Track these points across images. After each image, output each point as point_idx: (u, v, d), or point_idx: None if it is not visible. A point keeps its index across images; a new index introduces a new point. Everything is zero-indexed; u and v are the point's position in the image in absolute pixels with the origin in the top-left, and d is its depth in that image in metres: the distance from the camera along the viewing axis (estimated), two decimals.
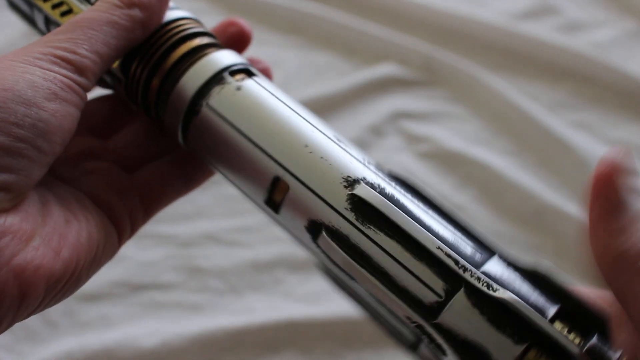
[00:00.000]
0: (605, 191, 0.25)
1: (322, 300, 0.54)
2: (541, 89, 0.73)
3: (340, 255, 0.24)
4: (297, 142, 0.26)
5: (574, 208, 0.60)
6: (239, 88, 0.27)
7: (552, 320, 0.22)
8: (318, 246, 0.25)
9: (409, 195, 0.25)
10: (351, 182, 0.25)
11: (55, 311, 0.52)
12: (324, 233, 0.24)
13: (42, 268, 0.22)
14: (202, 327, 0.51)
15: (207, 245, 0.57)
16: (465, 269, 0.23)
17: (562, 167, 0.65)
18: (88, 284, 0.57)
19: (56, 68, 0.24)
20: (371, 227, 0.24)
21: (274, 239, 0.58)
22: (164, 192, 0.30)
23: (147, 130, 0.32)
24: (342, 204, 0.24)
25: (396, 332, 0.25)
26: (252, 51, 0.83)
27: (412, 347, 0.25)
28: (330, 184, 0.25)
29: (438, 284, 0.23)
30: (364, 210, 0.24)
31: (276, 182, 0.25)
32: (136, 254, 0.56)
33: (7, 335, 0.51)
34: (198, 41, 0.29)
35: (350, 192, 0.24)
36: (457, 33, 0.78)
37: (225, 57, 0.28)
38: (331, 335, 0.52)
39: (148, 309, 0.53)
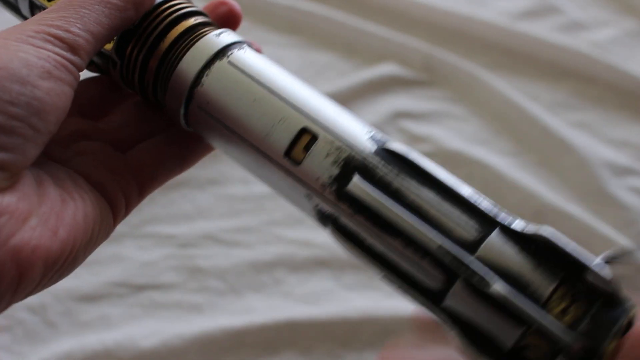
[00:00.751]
0: None
1: (322, 300, 0.54)
2: (541, 88, 0.73)
3: (373, 196, 0.24)
4: (317, 97, 0.27)
5: (574, 208, 0.60)
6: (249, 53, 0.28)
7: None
8: (344, 195, 0.25)
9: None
10: (377, 139, 0.26)
11: (55, 311, 0.52)
12: (357, 176, 0.25)
13: (39, 248, 0.23)
14: (202, 328, 0.51)
15: (207, 246, 0.57)
16: (495, 214, 0.24)
17: (562, 167, 0.65)
18: (88, 284, 0.57)
19: (49, 46, 0.24)
20: (403, 174, 0.25)
21: (274, 239, 0.58)
22: (157, 170, 0.30)
23: (140, 110, 0.32)
24: (373, 154, 0.25)
25: (416, 283, 0.25)
26: None
27: (435, 296, 0.24)
28: (359, 135, 0.25)
29: (473, 226, 0.24)
30: (394, 161, 0.25)
31: (302, 133, 0.26)
32: (136, 254, 0.56)
33: (7, 335, 0.51)
34: (193, 20, 0.29)
35: (380, 147, 0.25)
36: (457, 33, 0.78)
37: (226, 36, 0.29)
38: (331, 335, 0.52)
39: (148, 309, 0.53)
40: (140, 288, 0.54)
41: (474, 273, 0.23)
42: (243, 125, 0.27)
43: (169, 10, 0.29)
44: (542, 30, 0.78)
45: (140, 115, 0.31)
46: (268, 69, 0.28)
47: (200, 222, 0.59)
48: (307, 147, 0.26)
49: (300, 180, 0.26)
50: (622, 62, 0.73)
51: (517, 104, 0.69)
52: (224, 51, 0.28)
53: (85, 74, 0.30)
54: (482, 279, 0.23)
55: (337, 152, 0.25)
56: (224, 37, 0.28)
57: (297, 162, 0.26)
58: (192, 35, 0.28)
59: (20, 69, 0.23)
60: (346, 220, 0.25)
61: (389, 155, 0.25)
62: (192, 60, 0.27)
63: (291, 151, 0.26)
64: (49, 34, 0.25)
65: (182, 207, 0.60)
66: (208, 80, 0.27)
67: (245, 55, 0.28)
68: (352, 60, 0.76)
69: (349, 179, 0.25)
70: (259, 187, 0.59)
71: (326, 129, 0.26)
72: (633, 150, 0.67)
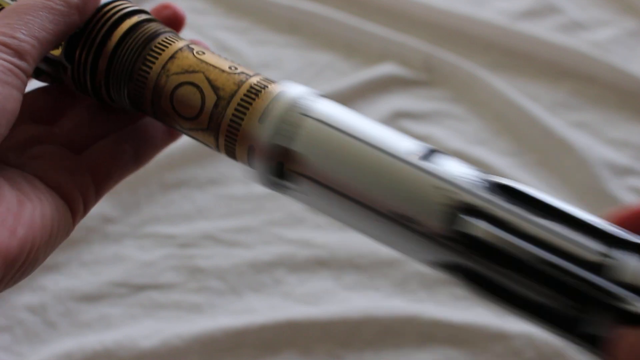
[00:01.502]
0: None
1: (322, 301, 0.54)
2: (541, 88, 0.73)
3: (501, 237, 0.24)
4: (408, 140, 0.29)
5: None
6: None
7: None
8: (472, 242, 0.24)
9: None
10: (482, 177, 0.26)
11: (55, 311, 0.52)
12: (480, 221, 0.24)
13: None
14: (202, 328, 0.51)
15: (207, 246, 0.57)
16: (616, 233, 0.24)
17: (562, 167, 0.65)
18: (88, 284, 0.57)
19: None
20: (519, 209, 0.24)
21: (274, 239, 0.58)
22: (112, 168, 0.31)
23: (92, 112, 0.32)
24: (486, 194, 0.25)
25: (559, 317, 0.24)
26: (252, 51, 0.84)
27: (577, 325, 0.23)
28: (465, 175, 0.27)
29: (601, 248, 0.23)
30: (507, 196, 0.25)
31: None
32: (136, 254, 0.56)
33: (7, 335, 0.51)
34: (136, 18, 0.30)
35: (489, 184, 0.26)
36: (457, 33, 0.78)
37: (281, 87, 0.28)
38: (331, 335, 0.52)
39: (148, 310, 0.53)
40: (140, 288, 0.54)
41: (614, 296, 0.22)
42: (356, 189, 0.26)
43: (113, 11, 0.29)
44: (542, 30, 0.78)
45: (93, 116, 0.32)
46: (355, 118, 0.28)
47: (200, 222, 0.59)
48: None
49: (424, 235, 0.25)
50: (622, 62, 0.73)
51: (517, 104, 0.69)
52: (294, 104, 0.27)
53: (37, 84, 0.32)
54: (624, 300, 0.22)
55: (454, 199, 0.25)
56: (280, 87, 0.28)
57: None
58: (138, 32, 0.29)
59: None
60: (477, 267, 0.24)
61: (500, 190, 0.25)
62: (270, 121, 0.27)
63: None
64: None
65: (182, 207, 0.60)
66: (299, 142, 0.26)
67: (325, 107, 0.28)
68: (352, 60, 0.76)
69: (471, 224, 0.24)
70: (259, 187, 0.59)
71: (451, 184, 0.25)
72: (633, 150, 0.67)
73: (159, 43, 0.29)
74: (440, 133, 0.68)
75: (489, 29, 0.77)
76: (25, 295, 0.53)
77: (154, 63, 0.29)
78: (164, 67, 0.29)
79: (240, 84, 0.28)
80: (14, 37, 0.26)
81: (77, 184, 0.29)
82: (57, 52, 0.29)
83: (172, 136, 0.33)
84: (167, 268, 0.55)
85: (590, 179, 0.63)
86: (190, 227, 0.58)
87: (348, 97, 0.70)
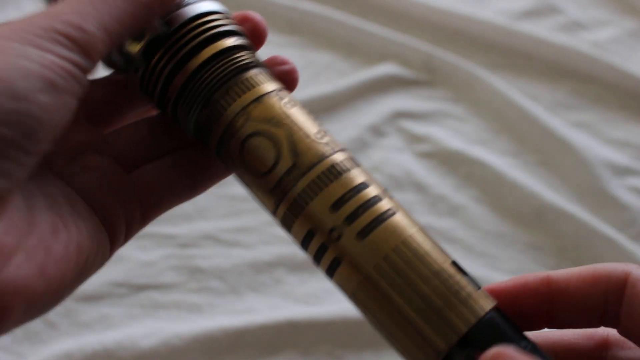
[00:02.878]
0: None
1: (322, 301, 0.54)
2: (541, 88, 0.73)
3: None
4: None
5: (574, 208, 0.60)
6: None
7: None
8: None
9: None
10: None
11: (54, 311, 0.52)
12: None
13: (23, 288, 0.20)
14: (202, 328, 0.51)
15: (207, 246, 0.57)
16: None
17: (562, 167, 0.65)
18: (88, 284, 0.57)
19: (58, 49, 0.21)
20: None
21: (274, 239, 0.58)
22: (164, 195, 0.28)
23: (152, 127, 0.28)
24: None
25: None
26: None
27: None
28: None
29: None
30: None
31: None
32: (136, 254, 0.56)
33: (7, 335, 0.51)
34: (232, 41, 0.27)
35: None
36: (457, 33, 0.78)
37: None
38: (331, 335, 0.52)
39: (148, 309, 0.53)
40: (140, 288, 0.54)
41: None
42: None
43: (210, 25, 0.26)
44: (542, 30, 0.78)
45: (153, 131, 0.28)
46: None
47: (200, 222, 0.59)
48: None
49: None
50: (622, 62, 0.73)
51: (517, 104, 0.69)
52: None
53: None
54: None
55: None
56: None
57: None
58: (229, 58, 0.26)
59: (17, 80, 0.20)
60: None
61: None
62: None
63: None
64: (59, 32, 0.21)
65: (182, 207, 0.59)
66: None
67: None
68: (352, 60, 0.76)
69: None
70: None
71: None
72: (633, 150, 0.67)
73: (248, 79, 0.26)
74: (440, 133, 0.68)
75: (489, 29, 0.77)
76: None
77: (235, 100, 0.26)
78: (245, 108, 0.25)
79: (322, 158, 0.25)
80: (82, 29, 0.21)
81: (123, 208, 0.25)
82: (134, 48, 0.26)
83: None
84: (167, 268, 0.55)
85: (590, 179, 0.63)
86: (190, 227, 0.58)
87: (348, 97, 0.70)
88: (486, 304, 0.23)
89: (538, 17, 0.81)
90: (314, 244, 0.25)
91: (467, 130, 0.69)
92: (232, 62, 0.26)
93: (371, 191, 0.24)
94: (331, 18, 0.78)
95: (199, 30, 0.26)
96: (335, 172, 0.24)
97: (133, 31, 0.24)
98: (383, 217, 0.24)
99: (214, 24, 0.26)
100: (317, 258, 0.25)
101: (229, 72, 0.26)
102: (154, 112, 0.29)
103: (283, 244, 0.57)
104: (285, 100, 0.26)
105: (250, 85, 0.26)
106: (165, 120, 0.28)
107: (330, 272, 0.25)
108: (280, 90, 0.26)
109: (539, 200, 0.61)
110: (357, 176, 0.25)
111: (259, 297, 0.54)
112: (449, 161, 0.65)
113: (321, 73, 0.74)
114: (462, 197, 0.62)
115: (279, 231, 0.58)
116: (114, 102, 0.28)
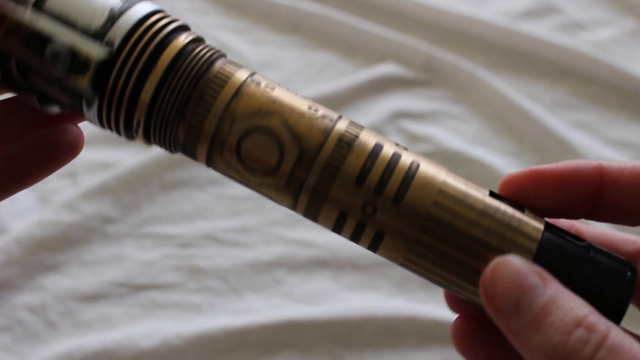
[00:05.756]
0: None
1: (322, 301, 0.54)
2: (541, 88, 0.73)
3: None
4: None
5: None
6: None
7: None
8: None
9: None
10: None
11: (55, 311, 0.52)
12: None
13: None
14: (202, 328, 0.51)
15: (207, 246, 0.57)
16: None
17: None
18: (88, 284, 0.57)
19: None
20: None
21: (274, 239, 0.58)
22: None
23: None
24: None
25: None
26: (252, 51, 0.84)
27: None
28: None
29: None
30: None
31: None
32: (136, 254, 0.56)
33: (7, 335, 0.51)
34: (182, 40, 0.24)
35: None
36: (457, 33, 0.78)
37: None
38: (331, 335, 0.52)
39: (148, 309, 0.53)
40: (140, 288, 0.54)
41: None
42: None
43: (152, 31, 0.23)
44: (542, 30, 0.78)
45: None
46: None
47: (200, 222, 0.59)
48: None
49: None
50: (622, 62, 0.73)
51: (517, 104, 0.69)
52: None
53: None
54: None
55: None
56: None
57: None
58: (186, 61, 0.23)
59: None
60: None
61: None
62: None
63: None
64: None
65: (182, 207, 0.60)
66: None
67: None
68: (352, 60, 0.76)
69: None
70: None
71: None
72: (633, 150, 0.67)
73: (217, 74, 0.23)
74: (440, 133, 0.68)
75: (489, 29, 0.77)
76: (25, 295, 0.53)
77: (212, 104, 0.23)
78: (227, 108, 0.23)
79: (327, 134, 0.23)
80: None
81: None
82: (81, 82, 0.23)
83: (68, 156, 0.26)
84: (167, 268, 0.55)
85: None
86: (190, 227, 0.58)
87: (348, 97, 0.70)
88: (538, 225, 0.23)
89: (538, 17, 0.81)
90: (349, 226, 0.23)
91: (467, 130, 0.69)
92: (194, 61, 0.23)
93: (388, 150, 0.23)
94: (331, 18, 0.78)
95: (146, 38, 0.23)
96: (345, 144, 0.22)
97: None
98: (410, 173, 0.23)
99: (157, 26, 0.23)
100: (355, 238, 0.23)
101: (195, 74, 0.23)
102: None
103: (283, 244, 0.57)
104: (263, 84, 0.23)
105: (222, 81, 0.23)
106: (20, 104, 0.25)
107: (374, 247, 0.23)
108: (252, 74, 0.23)
109: None
110: (368, 139, 0.23)
111: (259, 297, 0.54)
112: (449, 161, 0.65)
113: (321, 73, 0.74)
114: None
115: (279, 231, 0.58)
116: None
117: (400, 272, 0.56)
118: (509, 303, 0.20)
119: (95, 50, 0.23)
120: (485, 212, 0.23)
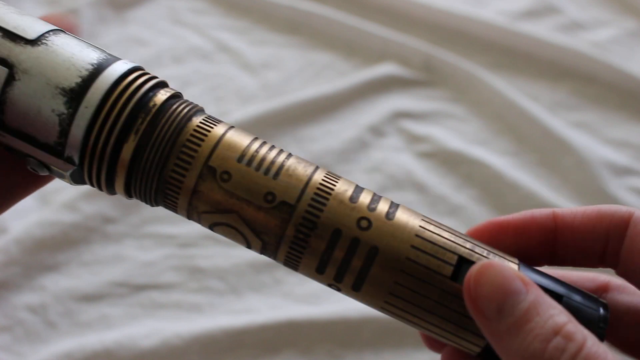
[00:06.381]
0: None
1: (322, 301, 0.54)
2: (541, 88, 0.73)
3: None
4: None
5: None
6: None
7: None
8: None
9: None
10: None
11: (55, 311, 0.52)
12: None
13: None
14: (202, 327, 0.51)
15: (207, 246, 0.57)
16: None
17: (562, 167, 0.65)
18: (88, 284, 0.57)
19: None
20: None
21: None
22: None
23: None
24: None
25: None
26: (252, 51, 0.83)
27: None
28: None
29: None
30: None
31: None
32: (136, 254, 0.56)
33: (7, 335, 0.51)
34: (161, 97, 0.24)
35: None
36: (457, 33, 0.78)
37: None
38: (331, 335, 0.52)
39: (148, 309, 0.53)
40: (140, 288, 0.54)
41: None
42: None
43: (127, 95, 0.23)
44: (542, 30, 0.78)
45: None
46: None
47: None
48: None
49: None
50: (622, 62, 0.73)
51: (517, 104, 0.69)
52: None
53: None
54: None
55: None
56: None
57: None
58: (172, 117, 0.23)
59: None
60: None
61: None
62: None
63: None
64: None
65: None
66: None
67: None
68: (352, 60, 0.76)
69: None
70: None
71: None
72: (633, 150, 0.67)
73: (174, 169, 0.23)
74: (440, 133, 0.68)
75: (489, 29, 0.77)
76: (25, 295, 0.53)
77: (175, 203, 0.24)
78: (190, 204, 0.24)
79: (284, 226, 0.23)
80: None
81: None
82: (65, 178, 0.24)
83: (36, 186, 0.27)
84: (167, 268, 0.55)
85: (590, 179, 0.63)
86: (190, 227, 0.58)
87: (348, 97, 0.70)
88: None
89: (538, 17, 0.81)
90: (338, 253, 0.23)
91: (467, 130, 0.69)
92: (154, 153, 0.23)
93: (346, 236, 0.23)
94: (331, 18, 0.78)
95: (102, 140, 0.23)
96: (303, 233, 0.23)
97: None
98: (368, 262, 0.23)
99: (107, 128, 0.23)
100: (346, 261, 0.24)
101: (155, 169, 0.23)
102: None
103: None
104: (219, 172, 0.23)
105: (180, 177, 0.23)
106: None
107: (366, 268, 0.23)
108: (208, 161, 0.23)
109: (539, 200, 0.61)
110: (327, 225, 0.23)
111: (259, 297, 0.54)
112: (449, 161, 0.65)
113: (321, 73, 0.74)
114: (462, 197, 0.62)
115: None
116: None
117: None
118: (491, 305, 0.21)
119: (62, 166, 0.23)
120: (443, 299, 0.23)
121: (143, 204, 0.26)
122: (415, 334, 0.52)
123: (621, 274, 0.25)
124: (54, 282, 0.54)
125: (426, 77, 0.74)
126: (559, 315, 0.20)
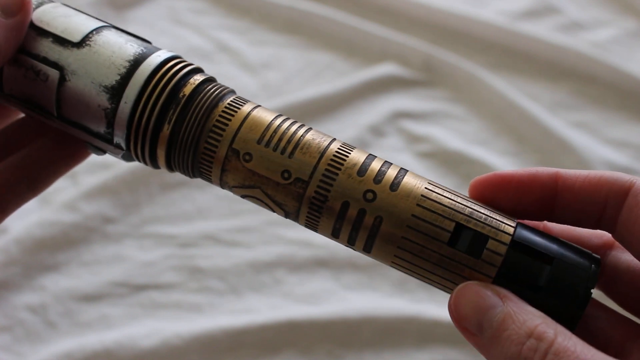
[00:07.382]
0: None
1: (322, 301, 0.54)
2: (541, 88, 0.73)
3: None
4: None
5: None
6: None
7: None
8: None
9: None
10: None
11: (55, 311, 0.52)
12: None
13: None
14: (202, 327, 0.51)
15: (207, 246, 0.57)
16: None
17: (562, 167, 0.65)
18: (88, 284, 0.57)
19: None
20: None
21: (274, 239, 0.58)
22: (8, 197, 0.28)
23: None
24: None
25: None
26: (252, 51, 0.84)
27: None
28: None
29: None
30: None
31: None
32: (136, 254, 0.56)
33: (7, 335, 0.51)
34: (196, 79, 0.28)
35: None
36: (457, 33, 0.78)
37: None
38: (331, 335, 0.52)
39: (148, 309, 0.53)
40: (140, 288, 0.54)
41: None
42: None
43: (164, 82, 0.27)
44: (542, 30, 0.78)
45: None
46: None
47: (200, 222, 0.59)
48: None
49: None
50: (622, 62, 0.73)
51: (517, 104, 0.69)
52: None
53: None
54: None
55: None
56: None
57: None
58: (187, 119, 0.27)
59: None
60: None
61: None
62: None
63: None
64: None
65: (182, 207, 0.60)
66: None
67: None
68: (352, 60, 0.76)
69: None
70: None
71: None
72: (633, 150, 0.67)
73: (204, 152, 0.27)
74: (440, 133, 0.68)
75: (489, 29, 0.77)
76: (25, 295, 0.53)
77: (210, 177, 0.27)
78: (221, 179, 0.27)
79: (300, 199, 0.26)
80: None
81: None
82: (118, 155, 0.28)
83: (76, 160, 0.30)
84: (167, 268, 0.55)
85: None
86: (190, 227, 0.58)
87: (348, 97, 0.70)
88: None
89: (538, 17, 0.81)
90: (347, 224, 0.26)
91: (467, 130, 0.69)
92: (188, 133, 0.27)
93: (353, 210, 0.26)
94: (331, 18, 0.78)
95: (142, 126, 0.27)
96: (316, 206, 0.26)
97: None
98: (374, 229, 0.25)
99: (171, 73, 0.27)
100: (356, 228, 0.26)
101: (190, 146, 0.27)
102: None
103: (283, 244, 0.57)
104: (242, 153, 0.26)
105: (210, 156, 0.27)
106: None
107: (372, 236, 0.26)
108: (233, 143, 0.26)
109: None
110: (335, 200, 0.25)
111: (259, 297, 0.54)
112: (449, 161, 0.65)
113: (321, 73, 0.74)
114: None
115: (279, 231, 0.58)
116: None
117: (400, 272, 0.56)
118: (473, 323, 0.23)
119: (113, 150, 0.28)
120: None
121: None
122: (415, 334, 0.52)
123: (618, 240, 0.26)
124: (54, 282, 0.54)
125: (426, 77, 0.74)
126: (532, 319, 0.22)
